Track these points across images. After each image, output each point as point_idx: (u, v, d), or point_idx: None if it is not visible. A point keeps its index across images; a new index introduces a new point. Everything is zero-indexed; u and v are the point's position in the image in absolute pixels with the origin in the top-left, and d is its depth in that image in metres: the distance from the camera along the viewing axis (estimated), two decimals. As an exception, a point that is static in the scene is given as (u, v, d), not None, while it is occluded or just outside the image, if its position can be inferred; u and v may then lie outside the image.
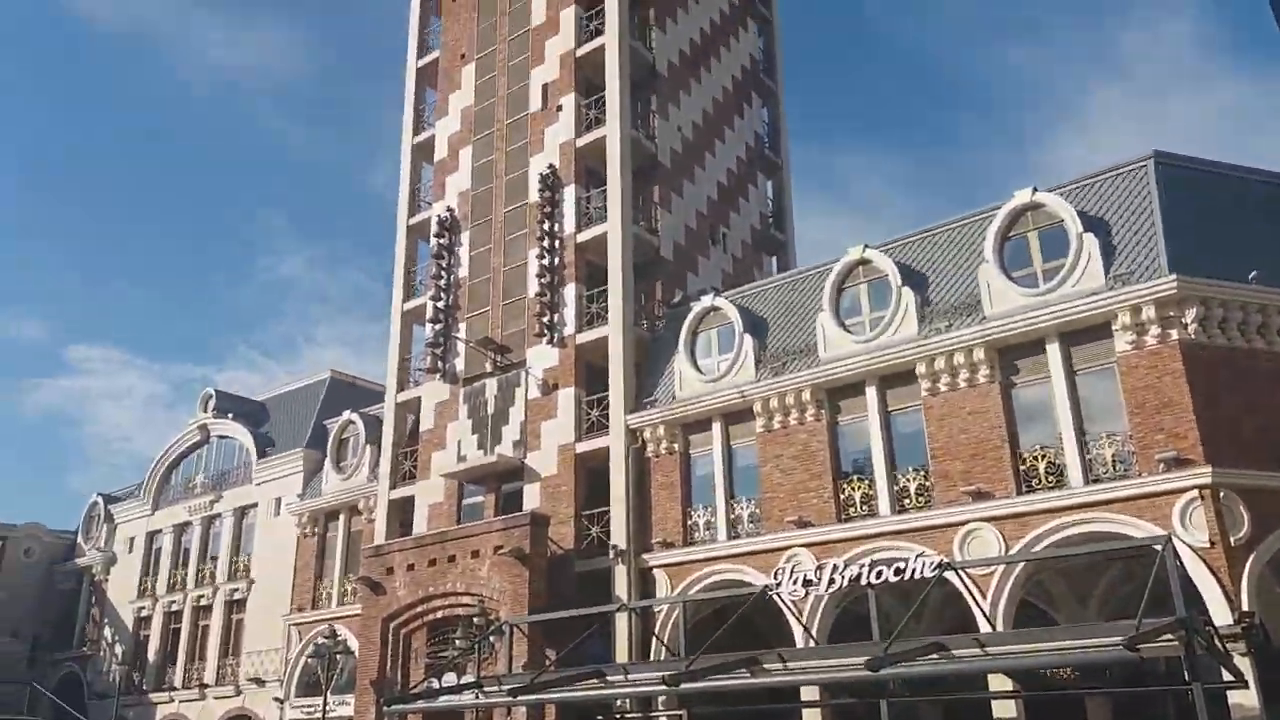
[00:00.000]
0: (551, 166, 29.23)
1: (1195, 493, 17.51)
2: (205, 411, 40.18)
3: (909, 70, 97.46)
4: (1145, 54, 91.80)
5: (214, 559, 37.35)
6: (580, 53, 30.05)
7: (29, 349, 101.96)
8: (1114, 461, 18.84)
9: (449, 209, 31.80)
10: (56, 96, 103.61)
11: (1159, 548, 15.89)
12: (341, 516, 33.05)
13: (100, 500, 43.63)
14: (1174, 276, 18.37)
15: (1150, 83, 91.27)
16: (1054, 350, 19.87)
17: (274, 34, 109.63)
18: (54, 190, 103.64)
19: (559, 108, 29.96)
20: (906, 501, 21.13)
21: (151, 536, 40.40)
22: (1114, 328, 19.16)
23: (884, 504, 21.31)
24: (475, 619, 24.48)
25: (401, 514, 30.27)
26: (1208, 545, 17.23)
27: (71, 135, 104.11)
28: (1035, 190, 20.99)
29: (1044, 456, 19.64)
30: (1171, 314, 18.56)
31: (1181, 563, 16.67)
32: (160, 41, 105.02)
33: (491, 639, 23.89)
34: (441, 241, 31.33)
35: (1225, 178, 20.88)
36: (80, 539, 44.18)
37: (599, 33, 29.89)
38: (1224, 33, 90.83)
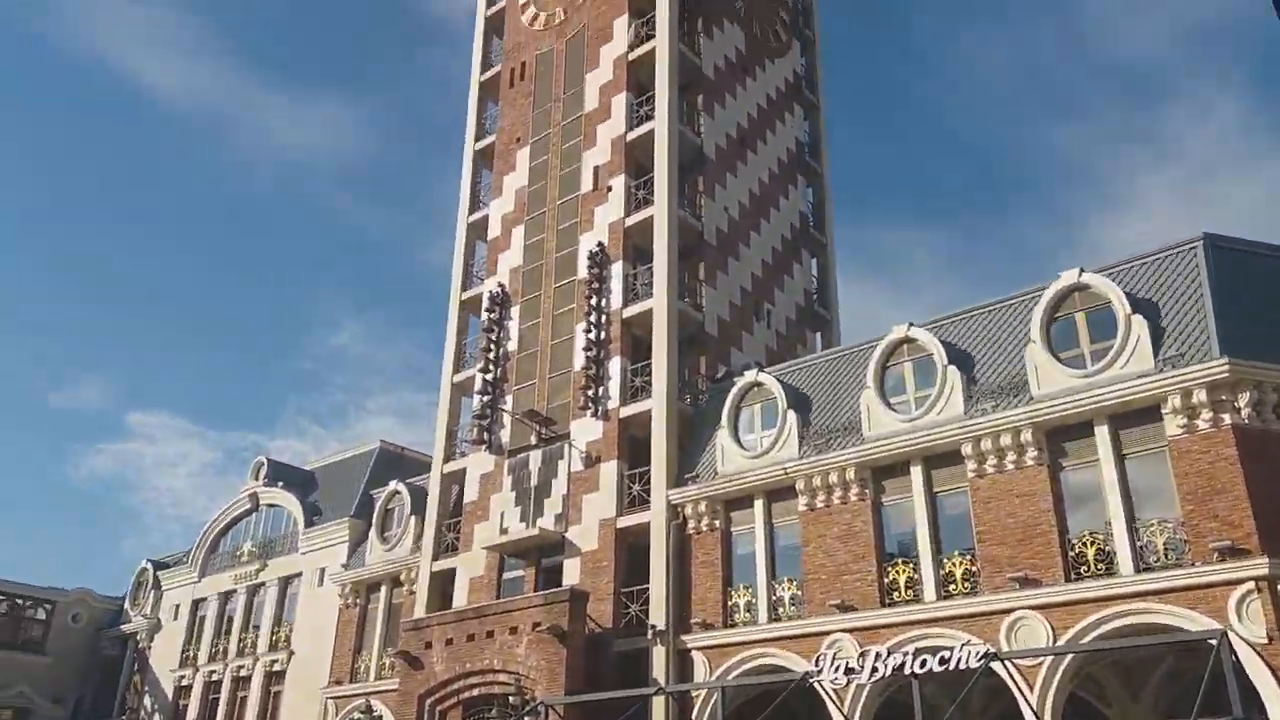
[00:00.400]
0: (600, 244, 29.73)
1: (1252, 584, 16.84)
2: (256, 479, 40.79)
3: (954, 149, 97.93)
4: (1192, 135, 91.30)
5: (256, 628, 37.50)
6: (631, 137, 30.77)
7: (91, 414, 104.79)
8: (1166, 550, 18.24)
9: (500, 285, 32.39)
10: (124, 173, 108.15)
11: (1214, 642, 15.30)
12: (383, 588, 33.08)
13: (149, 566, 44.22)
14: (1226, 359, 17.99)
15: (1197, 164, 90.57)
16: (1103, 433, 19.46)
17: (337, 113, 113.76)
18: (121, 263, 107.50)
19: (609, 188, 30.59)
20: (952, 586, 20.62)
21: (197, 604, 40.75)
22: (1164, 411, 18.75)
23: (929, 589, 20.80)
24: (511, 698, 24.17)
25: (442, 586, 30.23)
26: (1265, 640, 16.50)
27: (142, 213, 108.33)
28: (1082, 271, 20.82)
29: (1093, 543, 19.09)
30: (1224, 398, 18.12)
31: (1238, 658, 15.98)
32: (226, 122, 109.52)
33: (527, 719, 23.55)
34: (492, 316, 31.87)
35: (1277, 260, 20.51)
36: (128, 605, 44.69)
37: (649, 118, 30.62)
38: (1271, 115, 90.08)
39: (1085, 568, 19.01)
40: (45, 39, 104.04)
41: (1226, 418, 18.06)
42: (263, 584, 38.03)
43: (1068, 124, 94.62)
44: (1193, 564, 17.66)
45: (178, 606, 41.50)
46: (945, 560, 20.93)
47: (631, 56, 31.82)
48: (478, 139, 36.68)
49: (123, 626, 43.97)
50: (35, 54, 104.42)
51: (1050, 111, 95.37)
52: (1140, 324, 19.57)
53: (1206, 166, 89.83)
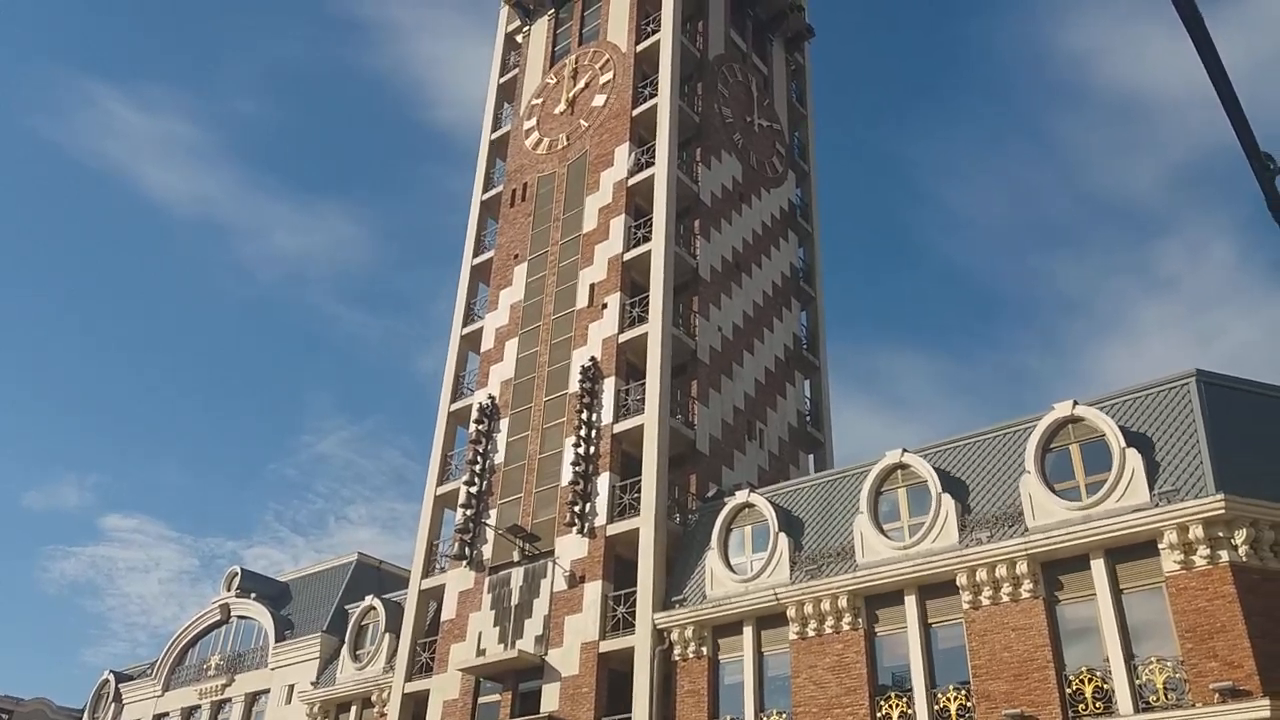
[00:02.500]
0: (593, 359, 29.82)
1: (1256, 728, 16.34)
2: (229, 590, 39.66)
3: (950, 277, 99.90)
4: (1189, 271, 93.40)
5: (219, 748, 35.88)
6: (628, 257, 31.27)
7: (66, 515, 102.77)
8: (1165, 689, 17.74)
9: (490, 396, 32.31)
10: (122, 274, 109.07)
11: (1221, 789, 14.69)
12: (353, 709, 31.80)
13: (111, 677, 42.55)
14: (1222, 495, 17.89)
15: (1195, 298, 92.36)
16: (1099, 566, 19.18)
17: (338, 223, 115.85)
18: (110, 361, 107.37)
19: (604, 305, 30.88)
20: (946, 722, 19.92)
21: None
22: (1161, 546, 18.52)
23: (922, 724, 20.08)
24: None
25: (415, 709, 29.09)
26: (1273, 789, 15.91)
27: (135, 313, 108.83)
28: (1076, 403, 20.88)
29: (1091, 680, 18.57)
30: (1220, 534, 17.95)
31: (1247, 807, 15.34)
32: (227, 227, 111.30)
33: None
34: (480, 427, 31.64)
35: (1270, 399, 20.63)
36: (86, 717, 42.77)
37: (646, 240, 31.19)
38: (1268, 254, 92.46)
39: (1084, 705, 18.43)
40: (59, 146, 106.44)
41: (1224, 555, 17.84)
42: (228, 700, 36.54)
43: (1064, 255, 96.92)
44: (1193, 705, 17.16)
45: (138, 721, 39.72)
46: (940, 695, 20.29)
47: (631, 182, 32.61)
48: (476, 254, 37.21)
49: (79, 741, 42.04)
50: (46, 160, 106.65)
51: (1046, 243, 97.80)
52: (1135, 457, 19.53)
53: (1202, 301, 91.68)
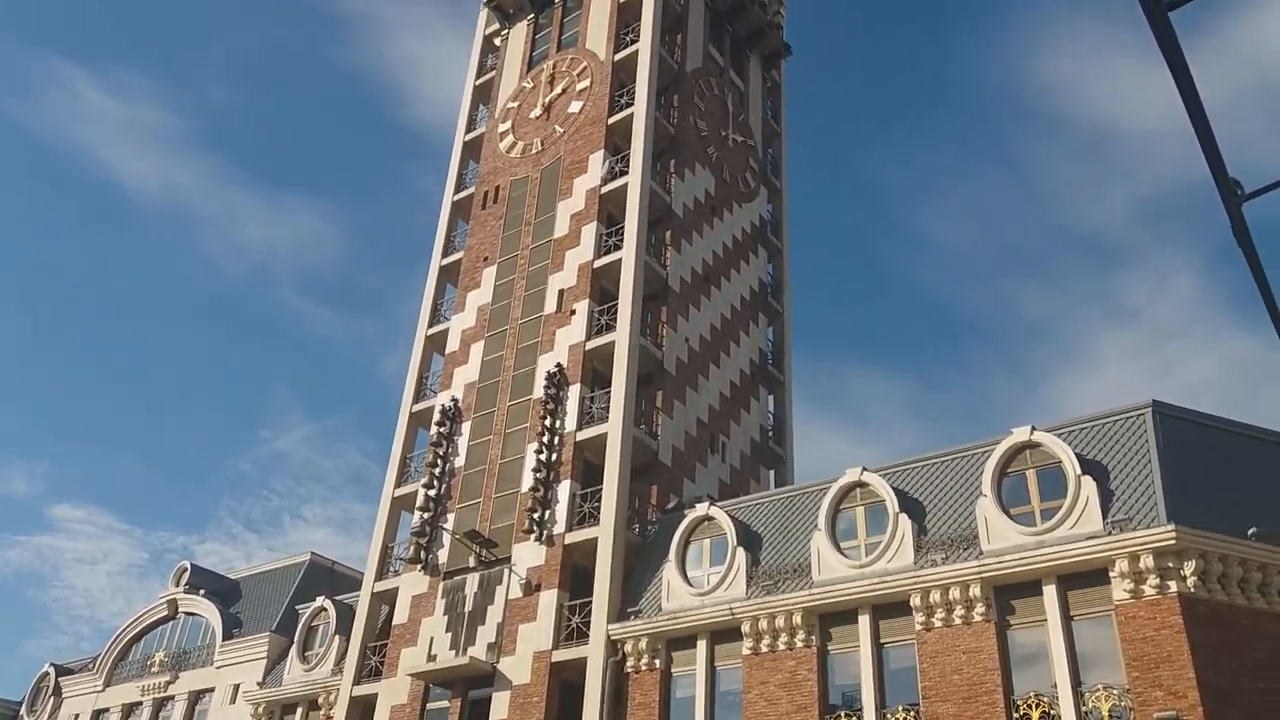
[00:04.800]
0: (559, 365, 29.68)
1: (1199, 759, 16.52)
2: (177, 586, 38.98)
3: (914, 302, 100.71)
4: (1151, 302, 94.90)
5: (160, 746, 35.18)
6: (598, 264, 31.17)
7: (15, 504, 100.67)
8: (1110, 716, 17.90)
9: (454, 399, 32.06)
10: (83, 260, 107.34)
11: (1162, 817, 14.81)
12: (299, 710, 31.31)
13: (52, 671, 41.62)
14: (1172, 526, 18.10)
15: (1156, 329, 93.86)
16: (1051, 592, 19.33)
17: (307, 218, 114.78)
18: (65, 348, 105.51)
19: (572, 312, 30.77)
20: (895, 743, 19.96)
21: (98, 715, 38.21)
22: (1111, 574, 18.71)
23: (871, 745, 20.11)
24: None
25: (362, 713, 28.69)
26: (1213, 819, 16.08)
27: (92, 297, 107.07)
28: (1034, 429, 21.07)
29: (1039, 705, 18.68)
30: (1170, 565, 18.16)
31: (1187, 837, 15.48)
32: (195, 216, 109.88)
33: None
34: (442, 430, 31.37)
35: (1224, 433, 20.95)
36: (24, 711, 41.80)
37: (617, 248, 31.14)
38: (1226, 288, 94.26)
39: (1031, 731, 18.54)
40: (23, 125, 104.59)
41: (1173, 585, 18.05)
42: (171, 698, 35.87)
43: (1030, 282, 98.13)
44: (1139, 734, 17.31)
45: (77, 716, 38.88)
46: (889, 715, 20.33)
47: (604, 190, 32.56)
48: (445, 254, 36.96)
49: (16, 734, 41.08)
50: (9, 139, 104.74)
51: (1012, 271, 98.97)
52: (1089, 485, 19.72)
53: (1163, 333, 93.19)
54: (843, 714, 20.90)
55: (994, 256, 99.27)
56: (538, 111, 36.53)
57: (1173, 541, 18.03)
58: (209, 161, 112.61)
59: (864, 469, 23.15)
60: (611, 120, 33.80)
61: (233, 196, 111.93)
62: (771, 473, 34.59)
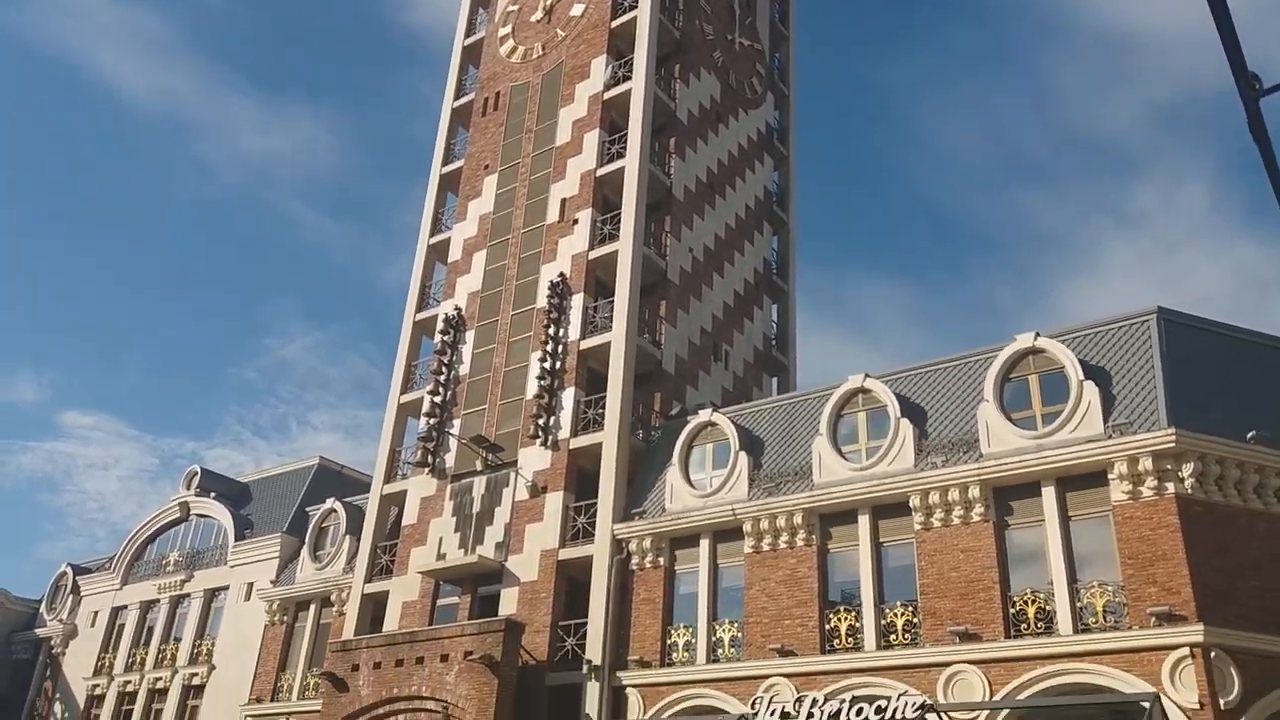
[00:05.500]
0: (562, 275, 29.68)
1: (1186, 650, 17.04)
2: (188, 489, 39.66)
3: (921, 210, 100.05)
4: (1160, 210, 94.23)
5: (177, 640, 36.25)
6: (600, 173, 30.90)
7: (24, 411, 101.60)
8: (1104, 612, 18.43)
9: (457, 308, 32.14)
10: (80, 167, 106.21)
11: (1146, 705, 15.43)
12: (312, 607, 32.20)
13: (69, 570, 42.62)
14: (1172, 429, 18.36)
15: (1163, 237, 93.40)
16: (1049, 494, 19.70)
17: (305, 125, 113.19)
18: (68, 256, 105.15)
19: (575, 221, 30.62)
20: (893, 637, 20.60)
21: (116, 612, 39.28)
22: (1110, 476, 19.04)
23: (869, 638, 20.76)
24: (438, 725, 23.55)
25: (374, 609, 29.51)
26: (1197, 706, 16.68)
27: (95, 206, 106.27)
28: (1038, 335, 21.20)
29: (1034, 601, 19.23)
30: (1169, 467, 18.47)
31: (1171, 722, 16.13)
32: (193, 123, 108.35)
33: (453, 747, 22.93)
34: (446, 338, 31.53)
35: (1228, 338, 21.06)
36: (44, 609, 42.95)
37: (620, 156, 30.82)
38: (1238, 197, 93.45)
39: (1025, 625, 19.12)
40: (14, 27, 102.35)
41: (1170, 487, 18.39)
42: (187, 595, 36.82)
43: (1038, 191, 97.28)
44: (1130, 627, 17.85)
45: (96, 613, 39.96)
46: (887, 610, 20.93)
47: (607, 96, 32.08)
48: (445, 163, 36.60)
49: (36, 630, 42.17)
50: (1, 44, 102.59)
51: (1020, 178, 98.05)
52: (1091, 390, 19.93)
53: (1172, 242, 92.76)
54: (842, 609, 21.52)
55: (1002, 164, 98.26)
56: (538, 15, 35.76)
57: (1172, 444, 18.30)
58: (204, 67, 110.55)
59: (866, 375, 23.36)
60: (614, 24, 33.12)
61: (229, 103, 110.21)
62: (774, 381, 34.88)
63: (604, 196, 30.97)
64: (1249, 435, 18.78)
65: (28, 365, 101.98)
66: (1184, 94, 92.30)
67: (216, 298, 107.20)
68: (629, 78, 31.91)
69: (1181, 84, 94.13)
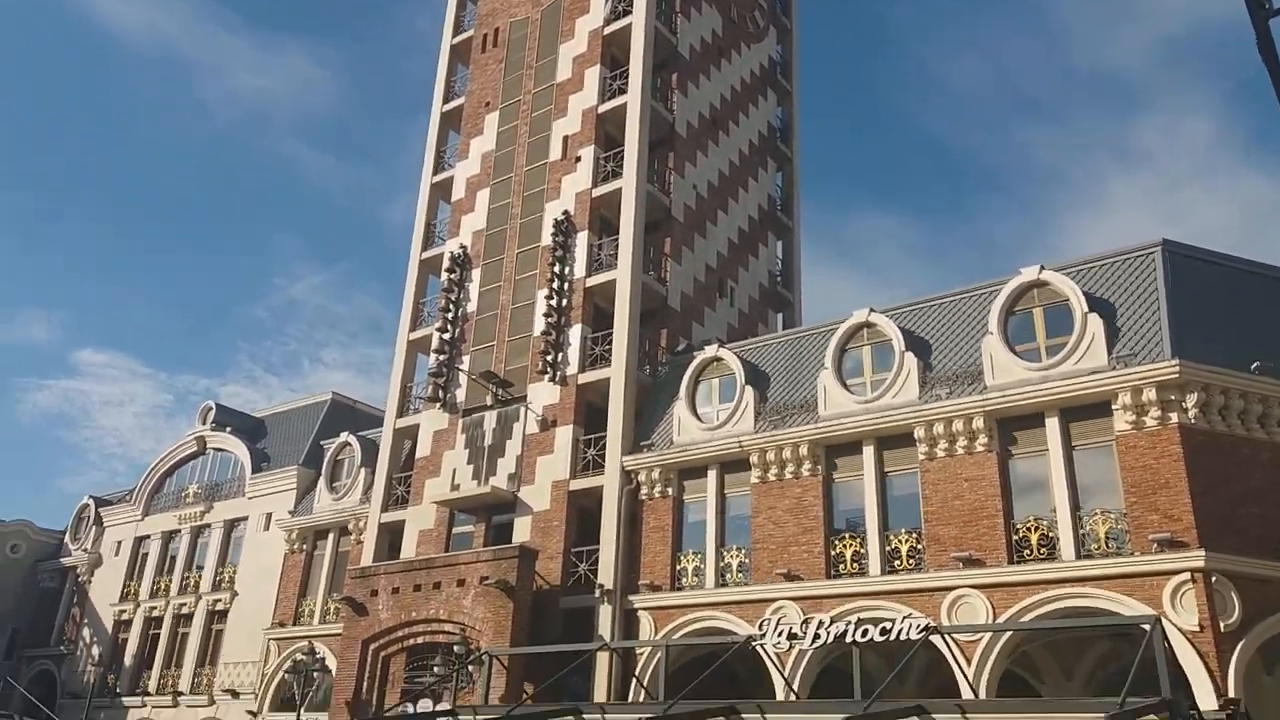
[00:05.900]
0: (566, 213, 29.76)
1: (1187, 575, 17.57)
2: (204, 424, 40.29)
3: (925, 146, 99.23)
4: (1164, 145, 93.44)
5: (199, 568, 37.27)
6: (602, 109, 30.76)
7: (37, 350, 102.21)
8: (1107, 538, 18.95)
9: (462, 246, 32.28)
10: (76, 107, 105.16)
11: (1148, 627, 15.90)
12: (331, 536, 33.01)
13: (91, 502, 43.51)
14: (1176, 360, 18.66)
15: (1168, 172, 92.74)
16: (1053, 424, 20.07)
17: (302, 63, 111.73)
18: (73, 199, 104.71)
19: (578, 158, 30.58)
20: (897, 563, 21.19)
21: (139, 542, 40.24)
22: (1114, 407, 19.39)
23: (874, 564, 21.36)
24: (455, 647, 24.35)
25: (390, 538, 30.24)
26: (1197, 629, 17.27)
27: (93, 147, 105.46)
28: (1042, 268, 21.40)
29: (1037, 528, 19.75)
30: (1172, 397, 18.81)
31: (1170, 644, 16.57)
32: (187, 61, 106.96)
33: (470, 668, 23.75)
34: (452, 276, 31.73)
35: (1232, 270, 21.22)
36: (68, 539, 43.96)
37: (622, 92, 30.65)
38: (1244, 130, 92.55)
39: (1028, 551, 19.67)
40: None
41: (1174, 417, 18.74)
42: (207, 525, 37.72)
43: (1041, 127, 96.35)
44: (1132, 553, 18.37)
45: (120, 543, 40.93)
46: (892, 537, 21.49)
47: (607, 30, 31.77)
48: (446, 101, 36.39)
49: (62, 560, 43.20)
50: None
51: (1023, 114, 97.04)
52: (1096, 322, 20.18)
53: (1177, 176, 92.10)
54: (847, 536, 22.09)
55: (1005, 99, 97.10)
56: (540, -55, 35.17)
57: (1176, 375, 18.61)
58: (197, 3, 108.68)
59: (871, 309, 23.62)
60: (614, -44, 32.60)
61: (224, 41, 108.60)
62: (779, 316, 35.13)
63: (606, 133, 30.88)
64: (1253, 366, 19.09)
65: (39, 305, 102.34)
66: (1187, 27, 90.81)
67: (221, 239, 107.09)
68: (629, 11, 31.57)
69: (1194, 15, 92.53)
